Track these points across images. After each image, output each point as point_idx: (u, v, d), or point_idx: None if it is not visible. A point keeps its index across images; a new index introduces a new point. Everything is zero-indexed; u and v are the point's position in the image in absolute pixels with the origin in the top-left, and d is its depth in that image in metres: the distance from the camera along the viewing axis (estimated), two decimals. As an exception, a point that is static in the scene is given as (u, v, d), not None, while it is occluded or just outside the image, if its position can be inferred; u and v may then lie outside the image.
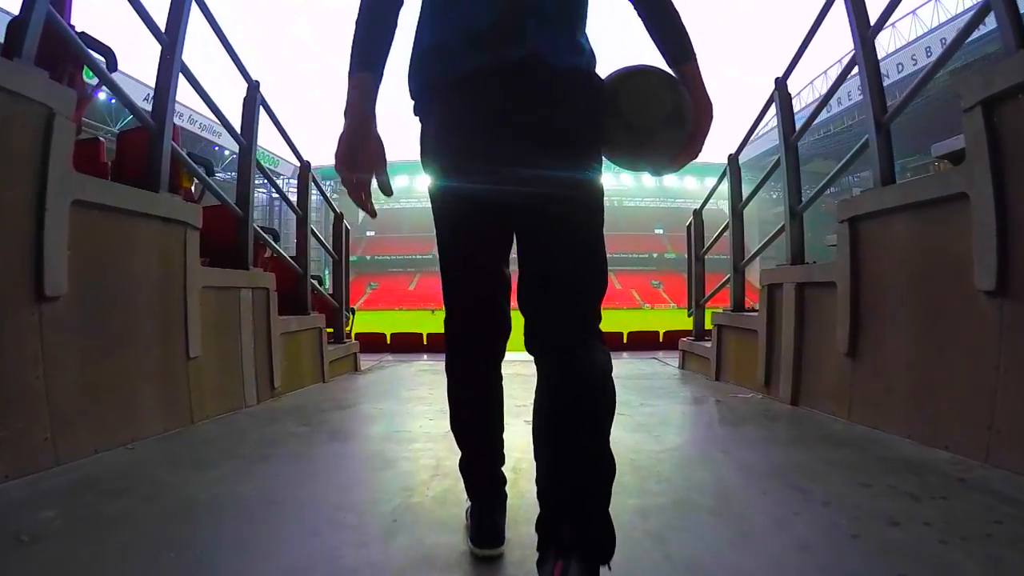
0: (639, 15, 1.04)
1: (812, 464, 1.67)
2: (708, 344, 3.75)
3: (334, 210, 4.06)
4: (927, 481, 1.45)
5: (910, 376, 1.91)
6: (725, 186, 3.64)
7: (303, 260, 3.39)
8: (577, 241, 0.93)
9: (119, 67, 2.71)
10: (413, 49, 1.00)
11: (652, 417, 2.44)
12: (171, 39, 2.25)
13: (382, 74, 0.95)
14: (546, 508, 0.84)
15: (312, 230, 3.50)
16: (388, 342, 5.94)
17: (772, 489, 1.48)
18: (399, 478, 1.59)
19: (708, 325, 4.08)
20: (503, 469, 1.18)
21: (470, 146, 0.93)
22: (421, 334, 5.78)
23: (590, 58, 0.99)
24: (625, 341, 5.85)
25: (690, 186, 60.59)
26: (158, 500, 1.37)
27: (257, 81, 2.89)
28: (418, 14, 1.01)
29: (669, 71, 1.01)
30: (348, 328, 5.15)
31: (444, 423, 1.66)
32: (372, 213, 0.98)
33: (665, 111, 0.98)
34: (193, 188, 3.03)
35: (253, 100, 2.87)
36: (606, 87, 0.98)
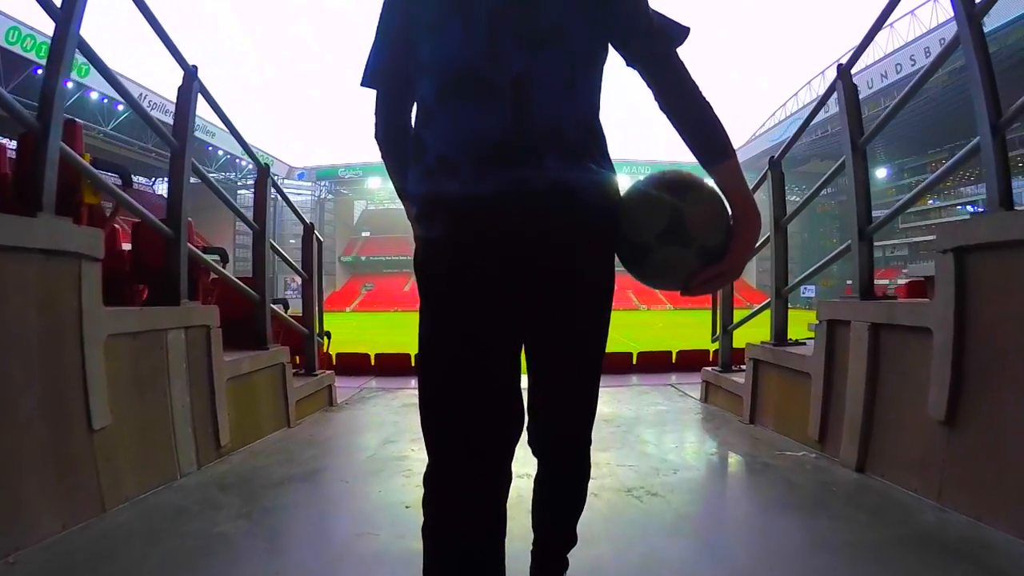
0: (667, 117, 0.94)
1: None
2: (738, 379, 3.21)
3: (302, 220, 3.47)
4: None
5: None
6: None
7: (260, 284, 2.81)
8: (586, 367, 0.97)
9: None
10: (410, 148, 0.94)
11: (692, 502, 1.91)
12: (66, 14, 1.69)
13: None
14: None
15: (273, 245, 2.93)
16: (372, 363, 5.36)
17: None
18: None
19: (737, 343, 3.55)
20: None
21: (478, 296, 0.87)
22: (408, 355, 5.22)
23: (610, 165, 0.95)
24: (635, 363, 5.30)
25: (686, 186, 60.13)
26: None
27: (195, 66, 2.32)
28: (415, 107, 0.96)
29: (684, 175, 0.91)
30: (325, 349, 4.59)
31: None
32: None
33: (661, 226, 0.87)
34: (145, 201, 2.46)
35: (189, 91, 2.30)
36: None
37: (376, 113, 1.02)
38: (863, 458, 2.13)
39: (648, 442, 2.63)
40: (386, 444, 2.66)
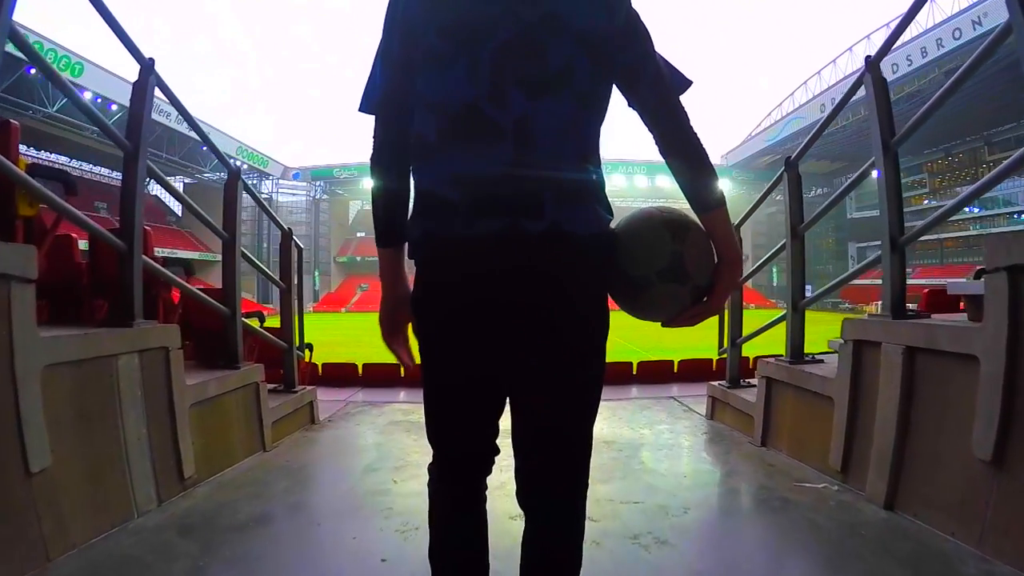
0: (664, 161, 0.97)
1: None
2: (748, 396, 2.99)
3: (280, 226, 3.22)
4: None
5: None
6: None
7: (231, 297, 2.58)
8: (575, 414, 0.94)
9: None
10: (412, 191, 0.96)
11: (706, 552, 1.70)
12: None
13: (405, 238, 0.96)
14: None
15: (245, 254, 2.69)
16: (360, 374, 5.12)
17: None
18: None
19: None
20: None
21: (475, 337, 0.90)
22: (397, 365, 4.99)
23: (607, 207, 0.94)
24: (635, 372, 5.08)
25: (683, 186, 59.94)
26: None
27: (151, 59, 2.08)
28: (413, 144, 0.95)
29: (683, 217, 0.95)
30: (308, 359, 4.35)
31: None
32: (413, 363, 0.97)
33: (662, 263, 0.91)
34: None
35: (144, 87, 2.07)
36: (613, 234, 0.95)
37: (375, 138, 0.97)
38: (893, 495, 1.92)
39: (653, 471, 2.41)
40: (367, 473, 2.43)
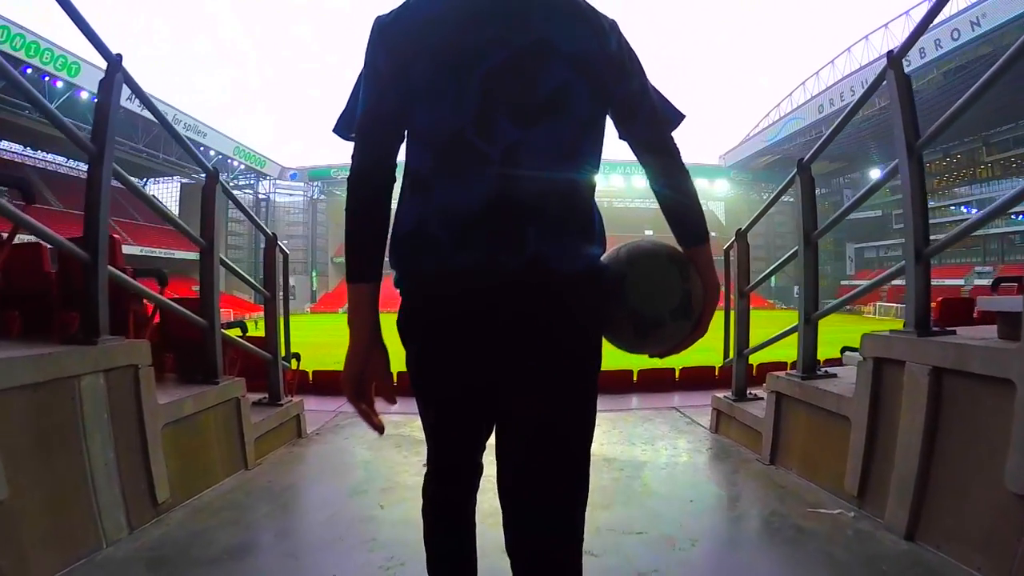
0: (654, 193, 0.98)
1: None
2: (755, 411, 2.85)
3: (264, 231, 3.06)
4: None
5: None
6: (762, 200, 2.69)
7: (209, 308, 2.42)
8: (566, 455, 0.89)
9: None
10: (393, 227, 0.92)
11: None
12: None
13: (381, 276, 0.91)
14: None
15: (224, 261, 2.54)
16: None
17: None
18: None
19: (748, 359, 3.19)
20: None
21: (456, 368, 0.89)
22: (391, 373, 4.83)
23: (599, 240, 0.92)
24: (635, 380, 4.93)
25: (681, 186, 59.82)
26: None
27: (119, 55, 1.93)
28: (399, 188, 0.92)
29: (681, 253, 0.97)
30: (295, 367, 4.19)
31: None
32: (381, 428, 0.92)
33: (676, 302, 0.93)
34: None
35: (111, 85, 1.92)
36: (611, 270, 0.94)
37: (355, 163, 0.91)
38: (914, 524, 1.78)
39: (657, 494, 2.27)
40: (353, 496, 2.28)
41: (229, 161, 47.62)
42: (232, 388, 2.54)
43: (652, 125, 0.96)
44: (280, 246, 3.04)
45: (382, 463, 2.77)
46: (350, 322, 0.90)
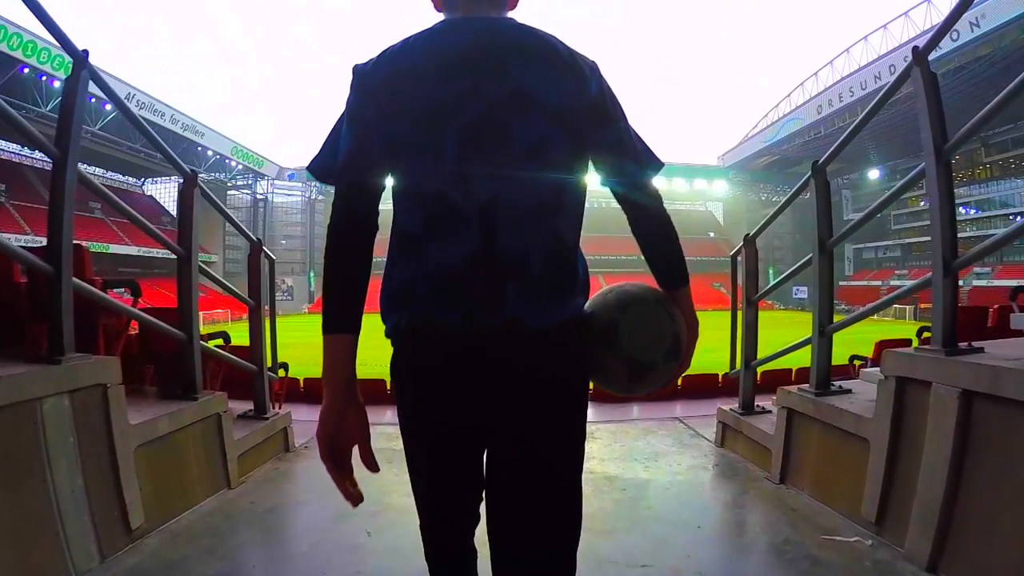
0: (635, 237, 0.98)
1: None
2: (764, 426, 2.72)
3: (248, 236, 2.91)
4: None
5: None
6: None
7: (188, 319, 2.28)
8: (555, 497, 0.91)
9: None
10: (383, 281, 0.93)
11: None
12: None
13: (359, 328, 0.89)
14: None
15: (205, 271, 2.39)
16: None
17: None
18: None
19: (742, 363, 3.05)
20: None
21: (443, 418, 0.90)
22: (383, 380, 4.70)
23: (582, 289, 0.93)
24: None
25: (679, 187, 59.81)
26: None
27: (85, 51, 1.79)
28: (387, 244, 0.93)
29: (665, 294, 0.99)
30: (282, 374, 4.06)
31: None
32: (358, 499, 0.89)
33: (667, 345, 0.95)
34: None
35: (76, 83, 1.78)
36: (601, 316, 0.94)
37: (336, 210, 0.90)
38: (937, 555, 1.67)
39: (662, 518, 2.13)
40: (338, 521, 2.14)
41: (227, 161, 47.42)
42: (213, 404, 2.40)
43: (632, 171, 0.95)
44: (266, 251, 2.89)
45: (371, 481, 2.59)
46: (325, 378, 0.86)
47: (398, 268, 0.90)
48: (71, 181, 1.74)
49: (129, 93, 35.47)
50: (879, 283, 42.43)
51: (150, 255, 37.07)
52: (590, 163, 0.94)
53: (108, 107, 34.09)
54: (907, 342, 4.09)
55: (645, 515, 2.17)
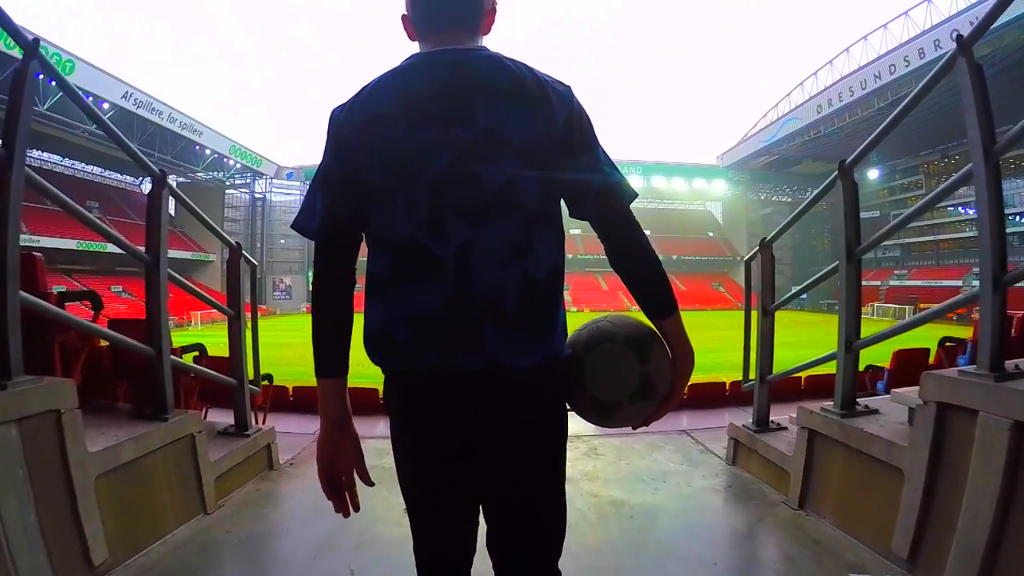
0: (614, 269, 0.97)
1: None
2: (781, 445, 2.55)
3: (227, 241, 2.69)
4: None
5: None
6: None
7: (157, 333, 2.09)
8: (537, 529, 0.97)
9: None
10: (364, 324, 0.94)
11: None
12: None
13: (347, 371, 0.96)
14: None
15: (175, 277, 2.20)
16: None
17: None
18: None
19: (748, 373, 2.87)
20: None
21: (438, 469, 0.94)
22: (376, 390, 4.51)
23: (562, 328, 0.94)
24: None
25: (678, 187, 59.62)
26: None
27: (36, 39, 1.61)
28: (364, 285, 0.96)
29: (643, 331, 0.97)
30: (266, 384, 3.87)
31: None
32: (356, 508, 0.96)
33: (632, 387, 0.94)
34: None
35: (24, 76, 1.60)
36: (573, 353, 0.96)
37: (317, 266, 0.95)
38: (983, 602, 1.49)
39: (674, 553, 1.95)
40: (320, 555, 1.96)
41: (225, 160, 47.19)
42: (185, 424, 2.22)
43: (605, 202, 0.94)
44: (246, 256, 2.69)
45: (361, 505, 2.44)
46: (321, 412, 0.94)
47: (374, 310, 0.92)
48: (18, 182, 1.55)
49: (127, 92, 35.21)
50: (878, 283, 42.33)
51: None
52: (562, 199, 0.94)
53: (105, 105, 33.89)
54: (924, 352, 3.93)
55: (655, 550, 1.98)
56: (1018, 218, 37.22)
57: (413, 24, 0.96)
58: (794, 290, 2.81)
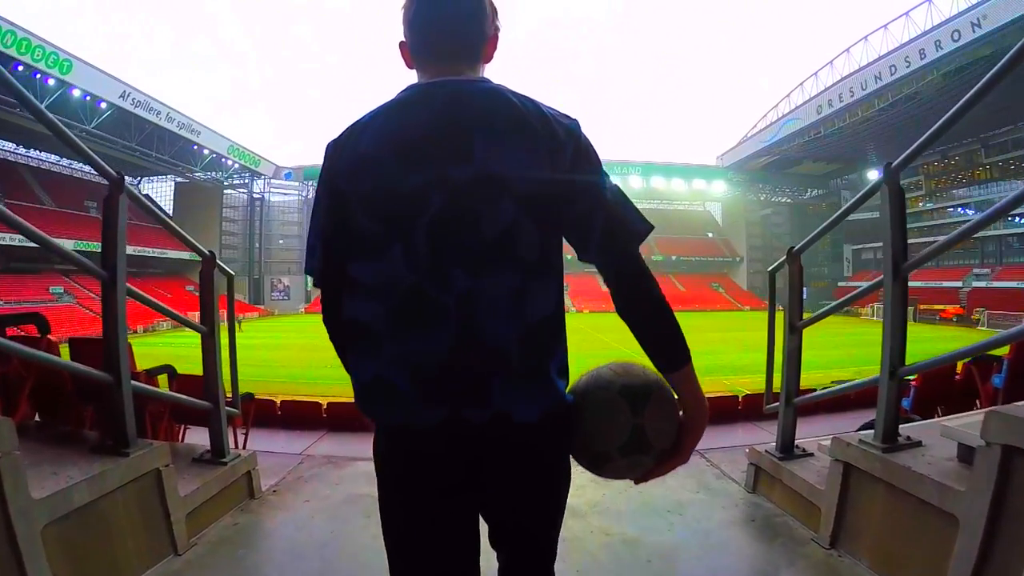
0: (620, 316, 0.91)
1: None
2: (808, 476, 2.33)
3: (200, 251, 2.41)
4: None
5: None
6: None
7: (114, 356, 1.86)
8: (541, 542, 0.99)
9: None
10: (352, 373, 0.93)
11: None
12: None
13: None
14: None
15: (133, 291, 1.96)
16: (324, 414, 4.39)
17: None
18: None
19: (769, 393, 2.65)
20: None
21: (421, 529, 0.92)
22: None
23: (563, 372, 0.92)
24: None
25: (678, 187, 59.46)
26: None
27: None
28: (338, 335, 0.98)
29: (642, 381, 0.92)
30: (246, 394, 3.63)
31: None
32: None
33: (623, 439, 0.90)
34: None
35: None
36: (573, 401, 0.93)
37: (321, 303, 0.98)
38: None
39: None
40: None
41: (223, 160, 46.95)
42: (149, 458, 1.98)
43: (610, 245, 0.91)
44: (220, 265, 2.44)
45: (347, 542, 2.22)
46: None
47: (363, 360, 0.90)
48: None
49: (125, 91, 34.95)
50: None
51: (145, 254, 36.42)
52: (563, 240, 0.91)
53: (103, 106, 33.57)
54: (950, 370, 3.69)
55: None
56: (1018, 219, 37.11)
57: (411, 53, 0.93)
58: (828, 306, 2.58)
